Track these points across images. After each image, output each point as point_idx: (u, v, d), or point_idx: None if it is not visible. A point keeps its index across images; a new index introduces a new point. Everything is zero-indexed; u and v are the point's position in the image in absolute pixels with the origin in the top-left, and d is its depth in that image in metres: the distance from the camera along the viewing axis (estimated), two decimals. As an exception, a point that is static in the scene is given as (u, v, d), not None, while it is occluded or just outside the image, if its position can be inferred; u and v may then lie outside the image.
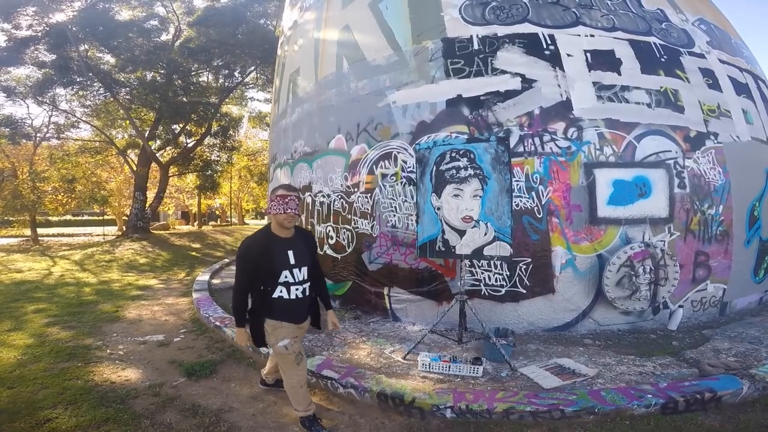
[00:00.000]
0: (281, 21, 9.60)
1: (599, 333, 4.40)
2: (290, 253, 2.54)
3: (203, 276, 8.30)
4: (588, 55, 4.63)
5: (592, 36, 4.73)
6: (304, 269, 2.60)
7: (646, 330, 4.45)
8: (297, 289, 2.57)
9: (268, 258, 2.47)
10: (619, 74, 4.60)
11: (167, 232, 19.54)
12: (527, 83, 4.54)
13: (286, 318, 2.58)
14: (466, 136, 4.53)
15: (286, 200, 2.43)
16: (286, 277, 2.52)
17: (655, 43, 4.87)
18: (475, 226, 3.74)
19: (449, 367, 3.38)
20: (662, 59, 4.81)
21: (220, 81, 17.41)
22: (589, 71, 4.58)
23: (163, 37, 15.82)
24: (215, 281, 8.00)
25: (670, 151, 4.57)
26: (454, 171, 3.85)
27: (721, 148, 4.80)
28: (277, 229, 2.55)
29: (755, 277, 5.17)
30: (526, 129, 4.49)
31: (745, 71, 5.61)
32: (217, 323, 4.84)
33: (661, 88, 4.66)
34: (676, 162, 4.56)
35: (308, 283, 2.63)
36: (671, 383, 3.06)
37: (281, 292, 2.54)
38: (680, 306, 4.57)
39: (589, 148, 4.45)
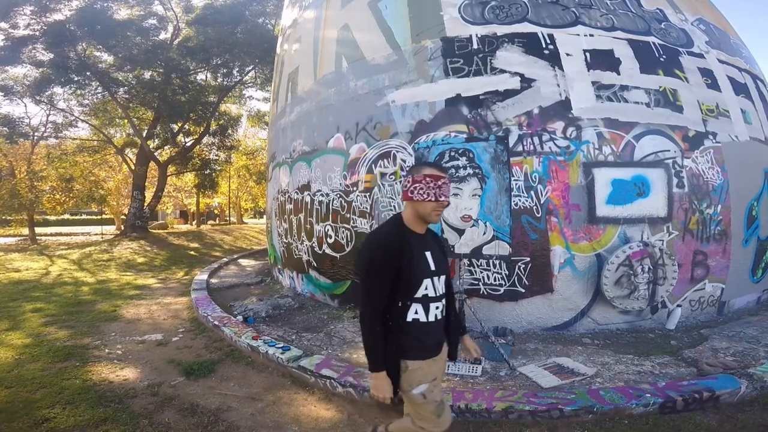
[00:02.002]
0: (280, 20, 9.60)
1: (598, 332, 4.40)
2: (428, 255, 1.81)
3: (202, 275, 8.29)
4: (587, 54, 4.63)
5: (591, 36, 4.73)
6: (443, 279, 1.86)
7: (645, 329, 4.45)
8: (437, 308, 1.80)
9: (409, 260, 1.72)
10: (618, 74, 4.61)
11: (165, 231, 19.49)
12: (526, 83, 4.54)
13: (422, 351, 1.79)
14: (465, 136, 4.53)
15: (439, 183, 1.73)
16: (426, 289, 1.76)
17: (654, 43, 4.88)
18: (474, 225, 3.76)
19: (448, 366, 3.38)
20: (661, 59, 4.81)
21: (219, 80, 17.36)
22: (588, 71, 4.59)
23: (162, 36, 15.77)
24: (214, 281, 7.99)
25: (669, 150, 4.57)
26: (453, 170, 3.87)
27: (720, 147, 4.81)
28: (414, 222, 1.81)
29: (753, 276, 5.18)
30: (525, 128, 4.49)
31: (744, 71, 5.62)
32: (216, 323, 4.83)
33: (660, 87, 4.67)
34: (674, 161, 4.56)
35: (445, 299, 1.90)
36: (670, 382, 3.07)
37: (416, 312, 1.75)
38: (678, 305, 4.58)
39: (588, 147, 4.45)
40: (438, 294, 1.80)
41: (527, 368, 3.48)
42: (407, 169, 1.83)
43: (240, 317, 5.09)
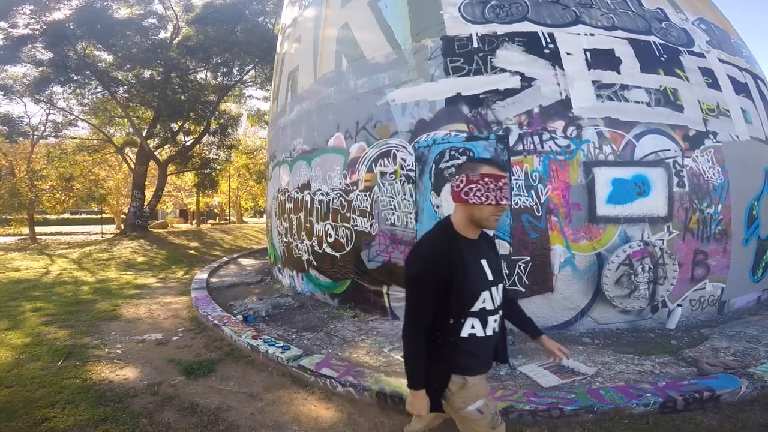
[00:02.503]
0: (280, 18, 9.59)
1: (598, 332, 4.40)
2: (484, 264, 1.62)
3: (202, 275, 8.29)
4: (588, 53, 4.62)
5: (591, 35, 4.72)
6: (501, 288, 1.68)
7: (645, 329, 4.45)
8: (495, 320, 1.62)
9: (462, 272, 1.52)
10: (619, 73, 4.60)
11: (165, 230, 19.50)
12: (527, 82, 4.53)
13: (480, 366, 1.64)
14: (465, 135, 4.52)
15: (500, 184, 1.51)
16: (483, 302, 1.58)
17: (654, 42, 4.87)
18: (474, 225, 3.76)
19: (448, 365, 3.38)
20: (662, 58, 4.80)
21: (219, 79, 17.36)
22: (589, 70, 4.58)
23: (162, 35, 15.78)
24: (214, 280, 7.99)
25: (670, 150, 4.56)
26: (454, 169, 3.85)
27: (720, 147, 4.80)
28: (466, 227, 1.60)
29: (753, 276, 5.18)
30: (525, 127, 4.48)
31: (745, 71, 5.61)
32: (216, 322, 4.83)
33: (660, 87, 4.66)
34: (675, 161, 4.56)
35: (503, 310, 1.71)
36: (670, 382, 3.07)
37: (473, 327, 1.57)
38: (679, 305, 4.58)
39: (589, 146, 4.44)
40: (496, 306, 1.62)
41: (527, 367, 3.47)
42: (458, 167, 1.62)
43: (240, 316, 5.08)
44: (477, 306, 1.56)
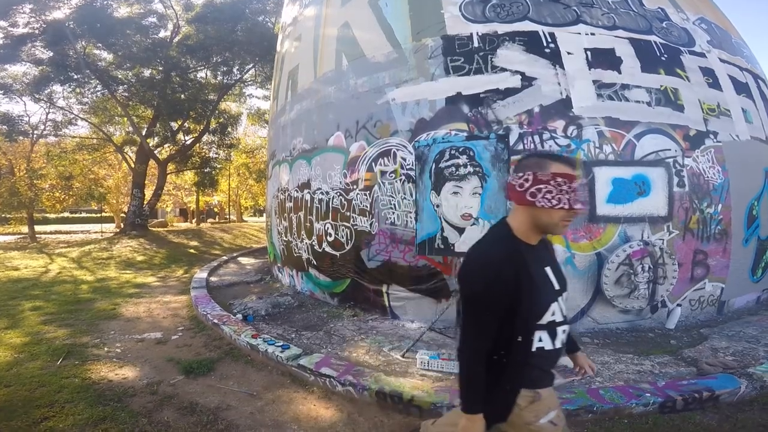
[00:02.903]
0: (280, 17, 9.57)
1: (598, 331, 4.39)
2: (549, 272, 1.47)
3: (201, 273, 8.29)
4: (588, 53, 4.62)
5: (592, 34, 4.72)
6: (565, 296, 1.53)
7: (645, 329, 4.44)
8: (563, 331, 1.48)
9: (529, 285, 1.34)
10: (620, 73, 4.59)
11: (165, 229, 19.49)
12: (527, 81, 4.53)
13: (547, 379, 1.50)
14: (465, 134, 4.52)
15: (574, 186, 1.32)
16: (553, 314, 1.42)
17: (655, 42, 4.87)
18: (474, 224, 3.75)
19: (448, 365, 3.38)
20: (662, 58, 4.80)
21: (219, 78, 17.35)
22: (590, 69, 4.57)
23: (162, 34, 15.76)
24: (213, 279, 7.98)
25: (670, 149, 4.56)
26: (454, 168, 3.85)
27: (721, 147, 4.80)
28: (528, 232, 1.41)
29: (753, 276, 5.18)
30: (525, 127, 4.48)
31: (746, 70, 5.61)
32: (215, 321, 4.82)
33: (661, 86, 4.66)
34: (675, 161, 4.55)
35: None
36: (669, 382, 3.06)
37: (540, 340, 1.41)
38: (678, 305, 4.57)
39: (589, 146, 4.44)
40: (564, 316, 1.47)
41: (527, 367, 3.47)
42: (518, 163, 1.43)
43: (239, 315, 5.08)
44: (546, 319, 1.40)
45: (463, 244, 3.77)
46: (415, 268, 4.75)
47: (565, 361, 3.51)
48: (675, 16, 5.28)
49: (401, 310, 4.91)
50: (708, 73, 5.04)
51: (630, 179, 4.45)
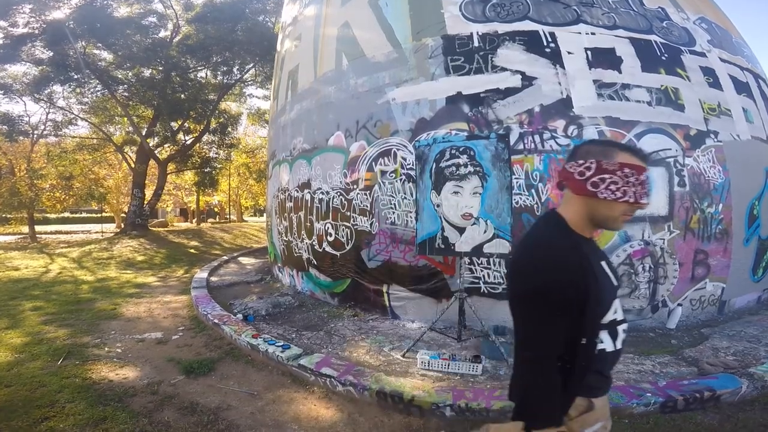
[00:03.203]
0: (280, 17, 9.57)
1: (598, 331, 4.39)
2: (605, 266, 1.32)
3: (202, 273, 8.29)
4: (589, 53, 4.61)
5: (592, 34, 4.71)
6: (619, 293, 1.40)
7: (645, 328, 4.44)
8: (623, 331, 1.33)
9: (594, 278, 1.20)
10: (620, 72, 4.59)
11: (165, 229, 19.49)
12: (527, 81, 4.53)
13: (604, 386, 1.34)
14: (465, 134, 4.52)
15: (642, 178, 1.20)
16: (615, 312, 1.30)
17: (656, 42, 4.86)
18: (474, 224, 3.74)
19: (448, 365, 3.37)
20: (663, 57, 4.79)
21: (219, 78, 17.34)
22: (590, 69, 4.57)
23: (162, 34, 15.75)
24: (213, 279, 7.99)
25: (671, 149, 4.56)
26: (454, 168, 3.84)
27: (721, 146, 4.79)
28: (583, 225, 1.28)
29: (754, 275, 5.17)
30: (526, 126, 4.48)
31: (746, 70, 5.60)
32: (216, 321, 4.82)
33: (661, 86, 4.65)
34: (676, 160, 4.55)
35: None
36: (670, 382, 3.06)
37: (602, 342, 1.27)
38: (679, 304, 4.57)
39: (589, 146, 4.42)
40: (623, 314, 1.34)
41: (528, 367, 3.46)
42: (578, 149, 1.25)
43: (240, 315, 5.08)
44: (608, 318, 1.26)
45: (463, 243, 3.76)
46: (415, 267, 4.75)
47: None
48: (675, 16, 5.27)
49: (402, 310, 4.91)
50: (708, 72, 5.03)
51: (630, 179, 4.44)
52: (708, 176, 4.69)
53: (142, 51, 13.95)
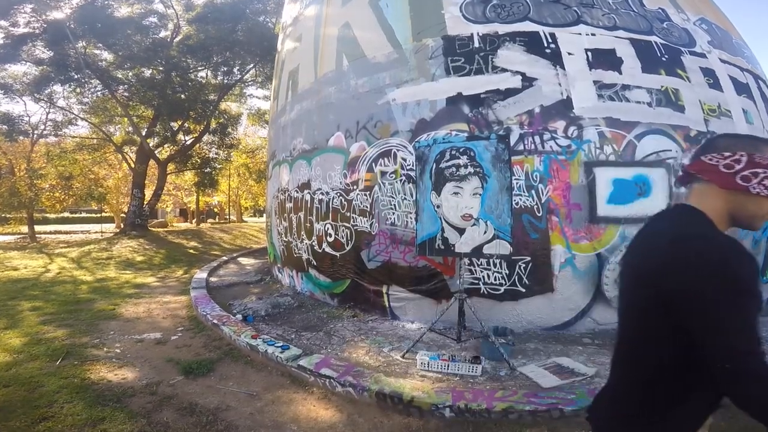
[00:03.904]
0: (281, 18, 9.57)
1: (598, 332, 4.38)
2: None
3: (201, 274, 8.28)
4: (589, 53, 4.61)
5: (593, 35, 4.71)
6: None
7: (645, 329, 4.43)
8: None
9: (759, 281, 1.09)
10: (620, 73, 4.59)
11: (165, 229, 19.48)
12: (528, 81, 4.52)
13: None
14: (466, 134, 4.51)
15: None
16: None
17: (656, 43, 4.86)
18: (474, 225, 3.73)
19: (448, 366, 3.37)
20: (663, 58, 4.79)
21: (219, 78, 17.35)
22: (590, 70, 4.57)
23: (162, 34, 15.76)
24: (213, 279, 7.98)
25: (671, 150, 4.55)
26: (454, 169, 3.84)
27: (721, 147, 4.77)
28: (722, 221, 1.16)
29: (763, 277, 5.15)
30: (526, 127, 4.48)
31: (746, 71, 5.60)
32: (215, 321, 4.81)
33: (662, 87, 4.65)
34: (676, 161, 4.54)
35: None
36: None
37: None
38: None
39: (590, 146, 4.43)
40: None
41: (527, 368, 3.46)
42: (715, 141, 1.12)
43: (239, 316, 5.07)
44: None
45: (463, 244, 3.76)
46: (415, 268, 4.75)
47: (567, 362, 3.52)
48: (676, 17, 5.27)
49: (401, 310, 4.90)
50: (708, 73, 5.02)
51: (630, 180, 4.44)
52: (708, 177, 4.67)
53: (142, 51, 13.95)
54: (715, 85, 5.02)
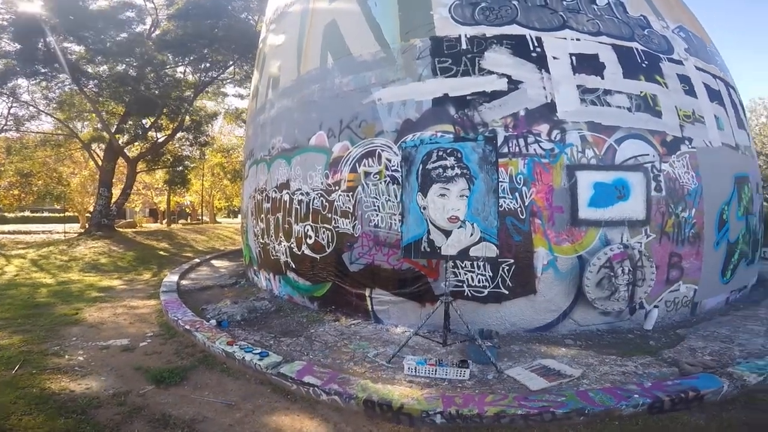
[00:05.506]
0: (264, 16, 9.33)
1: (579, 333, 4.42)
2: None
3: (172, 277, 7.91)
4: (573, 58, 4.68)
5: (578, 40, 4.79)
6: None
7: (624, 330, 4.51)
8: None
9: None
10: (602, 78, 4.67)
11: (133, 230, 18.64)
12: (513, 84, 4.54)
13: None
14: (452, 135, 4.48)
15: None
16: None
17: (637, 49, 4.98)
18: (461, 227, 3.69)
19: (435, 370, 3.30)
20: (643, 65, 4.92)
21: (197, 75, 16.82)
22: (574, 74, 4.63)
23: (140, 29, 15.18)
24: (185, 282, 7.64)
25: (648, 154, 4.67)
26: (441, 170, 3.78)
27: (695, 153, 4.95)
28: None
29: (723, 277, 5.35)
30: (511, 130, 4.48)
31: (719, 78, 5.84)
32: (187, 327, 4.57)
33: (641, 92, 4.77)
34: (653, 165, 4.66)
35: None
36: (655, 383, 3.09)
37: None
38: (656, 306, 4.67)
39: (572, 150, 4.48)
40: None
41: (514, 371, 3.43)
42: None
43: (213, 321, 4.84)
44: None
45: (449, 247, 3.70)
46: (399, 271, 4.66)
47: (553, 364, 3.51)
48: (656, 24, 5.42)
49: (385, 314, 4.80)
50: (684, 80, 5.20)
51: (611, 183, 4.52)
52: (682, 182, 4.83)
53: (115, 45, 13.36)
54: (691, 91, 5.19)
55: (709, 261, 5.07)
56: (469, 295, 4.43)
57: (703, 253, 4.98)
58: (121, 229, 17.21)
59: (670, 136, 4.82)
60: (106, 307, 5.99)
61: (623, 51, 4.88)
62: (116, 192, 16.72)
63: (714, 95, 5.51)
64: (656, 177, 4.67)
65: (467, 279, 4.43)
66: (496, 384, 3.22)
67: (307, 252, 5.52)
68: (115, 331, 4.81)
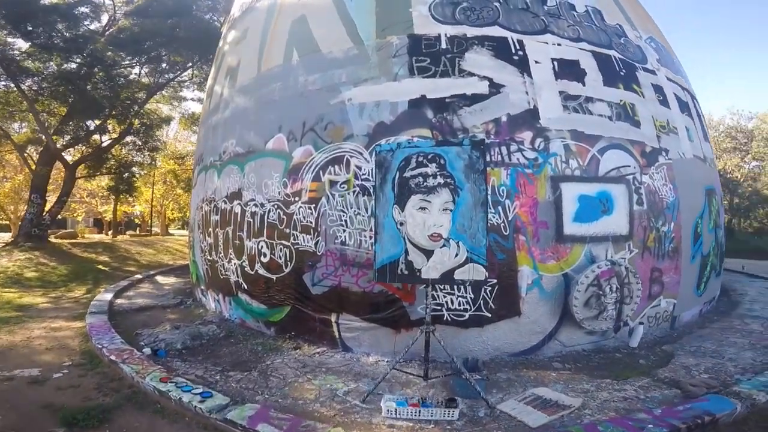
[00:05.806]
0: (229, 16, 8.66)
1: (566, 355, 4.13)
2: None
3: (105, 295, 6.90)
4: (555, 63, 4.51)
5: (559, 45, 4.63)
6: None
7: (610, 349, 4.28)
8: None
9: None
10: (584, 85, 4.54)
11: (72, 241, 16.84)
12: (495, 88, 4.28)
13: None
14: (429, 141, 4.06)
15: None
16: None
17: (615, 57, 4.91)
18: (444, 246, 3.21)
19: (419, 411, 2.80)
20: (621, 73, 4.84)
21: (152, 77, 15.65)
22: (556, 80, 4.46)
23: (95, 26, 13.96)
24: (121, 301, 6.69)
25: (630, 165, 4.54)
26: (421, 179, 3.32)
27: (671, 164, 4.88)
28: None
29: (698, 290, 5.32)
30: (492, 137, 4.17)
31: (685, 90, 5.92)
32: (113, 357, 3.83)
33: (620, 101, 4.67)
34: (634, 177, 4.53)
35: None
36: (666, 409, 2.86)
37: None
38: (640, 323, 4.48)
39: (556, 160, 4.25)
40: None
41: (507, 405, 3.02)
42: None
43: (148, 349, 4.12)
44: None
45: (431, 269, 3.22)
46: (370, 294, 4.13)
47: (548, 393, 3.12)
48: (631, 33, 5.41)
49: (355, 341, 4.23)
50: (659, 90, 5.19)
51: (595, 196, 4.31)
52: (661, 194, 4.73)
53: (62, 41, 12.10)
54: (664, 102, 5.19)
55: (687, 274, 5.00)
56: (449, 319, 3.99)
57: (681, 267, 4.88)
58: (56, 240, 15.54)
59: (649, 147, 4.73)
60: (19, 329, 5.09)
61: (602, 58, 4.77)
62: (53, 199, 15.09)
63: (683, 106, 5.58)
64: (638, 189, 4.53)
65: (446, 302, 4.00)
66: (489, 422, 2.79)
67: (262, 272, 4.88)
68: (26, 359, 4.06)
